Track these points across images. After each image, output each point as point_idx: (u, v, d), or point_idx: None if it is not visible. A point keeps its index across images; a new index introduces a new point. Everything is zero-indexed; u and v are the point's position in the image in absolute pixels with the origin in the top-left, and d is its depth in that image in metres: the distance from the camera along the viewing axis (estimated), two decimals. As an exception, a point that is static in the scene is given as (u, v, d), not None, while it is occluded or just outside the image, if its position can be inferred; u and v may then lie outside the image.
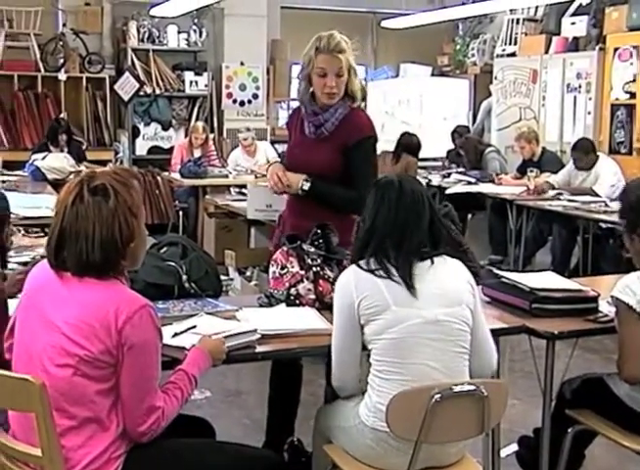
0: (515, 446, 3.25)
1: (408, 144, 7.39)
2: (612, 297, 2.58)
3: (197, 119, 9.25)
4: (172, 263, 2.89)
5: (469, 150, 8.02)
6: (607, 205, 5.91)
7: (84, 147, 8.28)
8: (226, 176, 7.41)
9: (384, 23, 9.41)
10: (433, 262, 2.37)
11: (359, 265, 2.36)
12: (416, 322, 2.29)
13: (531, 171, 6.76)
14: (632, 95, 7.49)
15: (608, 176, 6.34)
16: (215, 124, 9.40)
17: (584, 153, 6.45)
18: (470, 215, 7.57)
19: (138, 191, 2.12)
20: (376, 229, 2.38)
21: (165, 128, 9.33)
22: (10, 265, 3.24)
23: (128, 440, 2.06)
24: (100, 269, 2.03)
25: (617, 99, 7.68)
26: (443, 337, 2.31)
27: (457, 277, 2.41)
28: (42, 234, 4.34)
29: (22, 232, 4.28)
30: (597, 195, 6.20)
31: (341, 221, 2.93)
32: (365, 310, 2.31)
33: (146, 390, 2.04)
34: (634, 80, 7.45)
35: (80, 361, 1.98)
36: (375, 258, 2.35)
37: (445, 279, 2.37)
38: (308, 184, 3.08)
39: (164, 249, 3.03)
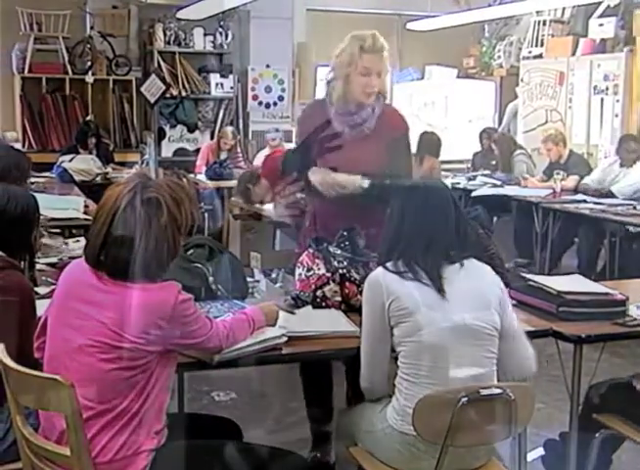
0: (541, 451, 3.23)
1: (429, 144, 7.36)
2: None
3: (222, 122, 9.28)
4: (199, 265, 2.90)
5: (503, 146, 7.97)
6: (635, 208, 5.87)
7: (111, 149, 8.35)
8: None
9: (409, 26, 9.38)
10: (462, 265, 2.36)
11: (387, 267, 2.36)
12: (445, 326, 2.28)
13: (558, 174, 6.73)
14: (661, 97, 7.43)
15: (633, 176, 6.31)
16: (241, 126, 9.43)
17: (636, 142, 6.47)
18: (496, 218, 7.54)
19: (187, 208, 2.13)
20: (403, 232, 2.38)
21: (191, 130, 9.38)
22: (38, 266, 3.27)
23: (157, 438, 2.08)
24: (135, 277, 2.05)
25: (645, 101, 7.62)
26: (472, 341, 2.30)
27: (486, 280, 2.39)
28: (69, 235, 4.38)
29: (49, 233, 4.31)
30: (614, 195, 6.20)
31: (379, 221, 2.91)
32: (395, 312, 2.30)
33: (202, 342, 2.16)
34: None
35: (119, 357, 2.01)
36: (403, 260, 2.35)
37: (474, 282, 2.36)
38: (368, 182, 3.04)
39: (191, 250, 3.04)
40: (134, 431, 2.04)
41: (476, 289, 2.35)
